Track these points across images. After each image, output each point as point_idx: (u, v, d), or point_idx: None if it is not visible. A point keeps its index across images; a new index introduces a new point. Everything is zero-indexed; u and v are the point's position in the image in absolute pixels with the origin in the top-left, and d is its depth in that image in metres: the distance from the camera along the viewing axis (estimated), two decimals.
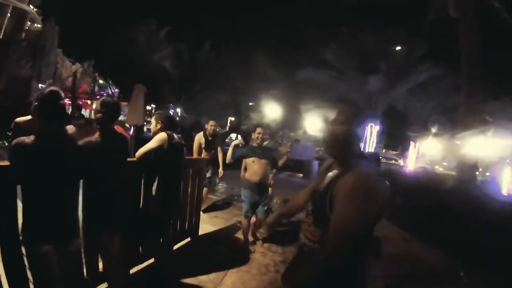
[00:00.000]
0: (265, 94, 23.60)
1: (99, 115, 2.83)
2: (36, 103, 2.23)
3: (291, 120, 25.82)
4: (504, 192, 16.65)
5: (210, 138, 6.22)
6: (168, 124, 3.54)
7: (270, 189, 5.71)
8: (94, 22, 23.53)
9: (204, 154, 6.13)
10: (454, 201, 8.59)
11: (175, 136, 3.48)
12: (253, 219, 4.95)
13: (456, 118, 12.00)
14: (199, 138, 6.26)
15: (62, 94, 2.34)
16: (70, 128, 2.85)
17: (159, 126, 3.52)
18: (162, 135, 3.34)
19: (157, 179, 3.34)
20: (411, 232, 6.83)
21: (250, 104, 25.71)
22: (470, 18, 9.75)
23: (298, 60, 23.19)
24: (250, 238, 5.10)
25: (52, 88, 2.34)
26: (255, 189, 4.73)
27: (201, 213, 5.24)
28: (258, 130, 4.83)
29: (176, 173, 3.55)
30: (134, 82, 9.99)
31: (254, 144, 4.87)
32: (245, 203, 4.77)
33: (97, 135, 2.81)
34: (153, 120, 3.63)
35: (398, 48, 22.62)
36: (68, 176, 2.30)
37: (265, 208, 4.86)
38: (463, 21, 9.84)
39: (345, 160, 1.69)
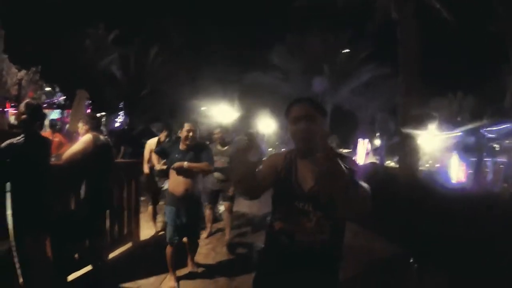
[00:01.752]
0: (215, 98, 23.65)
1: (23, 116, 2.79)
2: None
3: (243, 122, 25.96)
4: (454, 180, 18.00)
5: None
6: (93, 125, 3.50)
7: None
8: (42, 26, 22.45)
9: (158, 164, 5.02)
10: (400, 190, 8.89)
11: (101, 137, 3.44)
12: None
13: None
14: (151, 145, 5.39)
15: None
16: None
17: (85, 128, 3.47)
18: (87, 137, 3.30)
19: (84, 181, 3.28)
20: (358, 224, 7.04)
21: (202, 109, 25.60)
22: (409, 20, 10.24)
23: (246, 63, 23.42)
24: (182, 271, 4.03)
25: None
26: (181, 205, 3.63)
27: (141, 217, 5.10)
28: (186, 126, 3.75)
29: (104, 176, 3.48)
30: (80, 88, 9.68)
31: (181, 146, 3.76)
32: (168, 225, 3.67)
33: (20, 136, 2.75)
34: (79, 123, 3.58)
35: (342, 50, 23.43)
36: None
37: (194, 231, 3.91)
38: (403, 22, 10.32)
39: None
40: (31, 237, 2.73)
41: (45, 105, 22.20)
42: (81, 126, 3.54)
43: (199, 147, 3.85)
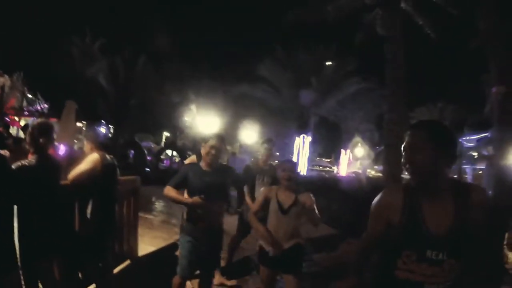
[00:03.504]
0: (201, 109, 23.66)
1: (42, 139, 2.80)
2: None
3: (227, 134, 25.99)
4: None
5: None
6: (99, 144, 3.48)
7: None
8: (26, 32, 22.11)
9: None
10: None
11: (107, 156, 3.42)
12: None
13: (382, 126, 12.84)
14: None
15: None
16: (4, 153, 2.74)
17: (90, 146, 3.44)
18: (94, 156, 3.26)
19: (91, 201, 3.26)
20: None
21: (186, 119, 25.51)
22: (395, 35, 10.58)
23: (234, 75, 23.55)
24: None
25: None
26: (202, 235, 3.18)
27: (140, 234, 5.10)
28: (211, 142, 3.24)
29: (111, 195, 3.48)
30: (65, 97, 9.56)
31: (203, 166, 3.29)
32: (182, 258, 3.22)
33: (30, 158, 2.74)
34: (84, 140, 3.57)
35: (328, 63, 23.88)
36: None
37: (211, 265, 3.43)
38: (388, 38, 10.64)
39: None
40: (40, 262, 2.73)
41: (26, 113, 21.72)
42: (86, 144, 3.53)
43: (223, 168, 3.48)
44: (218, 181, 3.24)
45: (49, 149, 2.95)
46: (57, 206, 2.84)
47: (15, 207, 2.51)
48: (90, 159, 3.23)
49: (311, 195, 3.05)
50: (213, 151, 3.21)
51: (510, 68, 7.49)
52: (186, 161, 4.58)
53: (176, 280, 3.20)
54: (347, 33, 15.09)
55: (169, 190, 3.21)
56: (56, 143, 9.46)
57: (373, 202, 1.71)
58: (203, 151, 3.29)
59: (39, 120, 3.05)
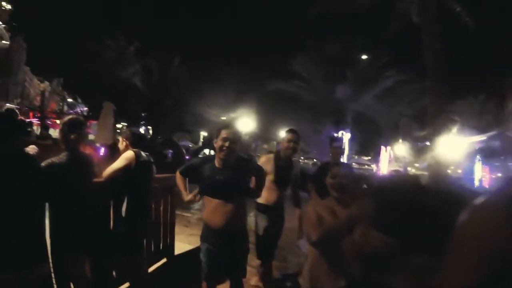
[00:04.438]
0: (236, 107, 23.74)
1: (73, 135, 2.78)
2: None
3: (264, 132, 25.94)
4: (476, 184, 18.09)
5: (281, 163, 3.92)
6: (134, 141, 3.46)
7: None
8: (63, 38, 23.08)
9: (271, 195, 3.88)
10: (430, 198, 8.71)
11: (143, 153, 3.39)
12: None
13: (424, 120, 12.37)
14: (267, 162, 3.91)
15: (17, 112, 2.30)
16: (32, 149, 2.74)
17: (125, 144, 3.44)
18: (129, 154, 3.24)
19: (126, 199, 3.23)
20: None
21: (223, 118, 25.71)
22: (432, 24, 10.13)
23: (267, 72, 23.47)
24: None
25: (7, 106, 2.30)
26: (219, 241, 2.89)
27: (176, 231, 5.08)
28: (223, 133, 2.87)
29: (146, 192, 3.44)
30: (103, 100, 9.81)
31: (216, 163, 2.90)
32: (203, 264, 2.96)
33: (61, 155, 2.73)
34: (120, 138, 3.57)
35: (363, 56, 23.27)
36: (27, 197, 2.15)
37: (236, 275, 3.06)
38: (425, 27, 10.21)
39: None
40: (72, 258, 2.71)
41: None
42: (121, 142, 3.53)
43: (241, 162, 2.95)
44: (234, 179, 2.84)
45: (80, 145, 2.91)
46: (88, 202, 2.81)
47: (47, 203, 2.52)
48: (125, 156, 3.22)
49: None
50: (226, 144, 2.81)
51: None
52: (261, 160, 4.05)
53: (203, 285, 2.99)
54: (381, 24, 14.60)
55: (177, 177, 3.10)
56: (96, 144, 9.79)
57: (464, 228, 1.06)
58: (216, 145, 2.89)
59: (70, 116, 3.04)
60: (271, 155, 4.05)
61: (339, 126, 21.81)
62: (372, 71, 22.92)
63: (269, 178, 3.64)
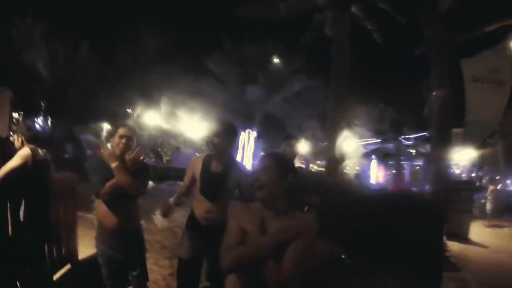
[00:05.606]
0: (144, 100, 22.92)
1: None
2: None
3: (171, 127, 25.44)
4: (373, 181, 21.42)
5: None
6: (30, 137, 3.19)
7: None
8: None
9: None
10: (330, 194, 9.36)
11: (40, 151, 3.16)
12: None
13: (326, 123, 13.28)
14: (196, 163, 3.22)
15: None
16: None
17: (20, 140, 3.17)
18: (25, 151, 3.02)
19: (23, 201, 2.98)
20: None
21: (128, 111, 24.52)
22: (343, 38, 10.91)
23: (181, 68, 23.02)
24: None
25: None
26: (115, 243, 2.92)
27: (79, 235, 4.75)
28: (121, 131, 2.92)
29: (45, 193, 3.21)
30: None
31: (111, 162, 2.78)
32: (103, 267, 3.03)
33: None
34: (15, 134, 3.31)
35: (276, 60, 24.17)
36: None
37: (138, 280, 3.06)
38: (336, 39, 10.94)
39: None
40: None
41: None
42: (16, 138, 3.23)
43: (137, 165, 2.92)
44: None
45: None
46: None
47: None
48: (21, 154, 2.99)
49: None
50: (123, 141, 2.86)
51: (449, 75, 8.15)
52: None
53: None
54: (296, 31, 15.36)
55: None
56: None
57: None
58: (113, 143, 2.94)
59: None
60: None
61: (247, 125, 22.32)
62: (283, 74, 24.05)
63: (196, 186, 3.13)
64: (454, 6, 8.27)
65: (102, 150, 2.93)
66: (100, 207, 2.92)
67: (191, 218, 3.09)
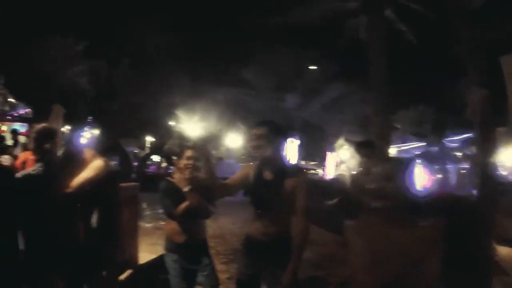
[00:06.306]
0: (186, 112, 23.47)
1: (48, 145, 2.68)
2: None
3: (213, 138, 25.91)
4: (418, 187, 19.54)
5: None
6: (102, 150, 3.38)
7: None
8: (5, 34, 21.21)
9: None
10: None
11: (111, 162, 3.40)
12: None
13: (367, 128, 13.10)
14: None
15: None
16: (6, 159, 2.63)
17: (91, 152, 3.29)
18: (99, 163, 3.13)
19: (95, 210, 3.15)
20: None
21: (171, 123, 25.20)
22: (379, 42, 10.82)
23: (218, 79, 23.49)
24: None
25: None
26: (186, 254, 3.04)
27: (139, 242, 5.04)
28: (188, 153, 2.99)
29: (114, 202, 3.40)
30: (48, 101, 9.29)
31: (180, 183, 3.03)
32: (171, 277, 3.07)
33: (35, 166, 2.64)
34: (85, 148, 3.46)
35: (312, 67, 24.14)
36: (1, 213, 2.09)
37: (208, 278, 3.10)
38: (372, 44, 10.87)
39: None
40: (47, 277, 2.65)
41: (8, 118, 20.99)
42: (86, 151, 3.45)
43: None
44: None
45: (54, 155, 2.83)
46: (60, 216, 2.72)
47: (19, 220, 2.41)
48: (95, 166, 3.09)
49: None
50: (191, 162, 2.95)
51: (488, 73, 7.86)
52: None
53: None
54: (330, 37, 15.35)
55: None
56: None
57: None
58: (179, 165, 3.05)
59: (43, 124, 2.92)
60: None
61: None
62: (319, 81, 24.00)
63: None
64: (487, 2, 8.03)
65: (173, 175, 3.16)
66: (170, 224, 3.09)
67: (247, 235, 2.74)
